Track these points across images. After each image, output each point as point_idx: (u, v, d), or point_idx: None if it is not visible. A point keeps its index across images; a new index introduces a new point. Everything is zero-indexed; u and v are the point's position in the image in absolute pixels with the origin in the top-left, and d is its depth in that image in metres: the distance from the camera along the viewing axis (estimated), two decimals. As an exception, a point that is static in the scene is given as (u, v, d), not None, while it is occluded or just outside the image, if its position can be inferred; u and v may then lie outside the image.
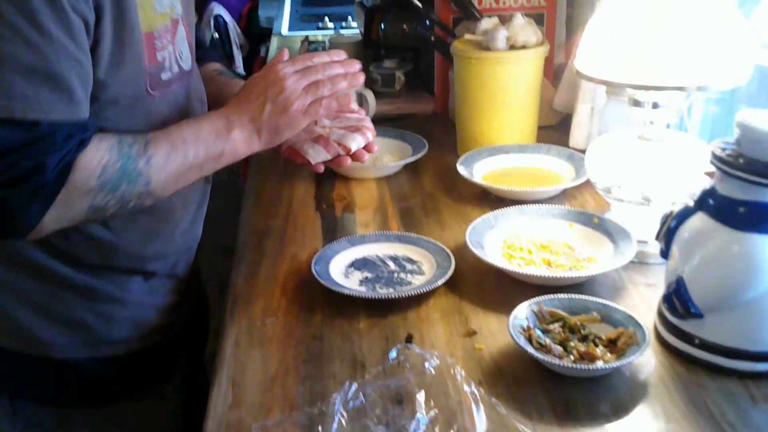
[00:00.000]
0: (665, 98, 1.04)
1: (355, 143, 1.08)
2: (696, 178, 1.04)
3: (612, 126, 1.27)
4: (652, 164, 1.06)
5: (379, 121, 1.63)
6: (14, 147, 0.80)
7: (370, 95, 1.59)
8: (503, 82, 1.39)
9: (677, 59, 0.97)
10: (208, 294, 1.33)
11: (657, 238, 0.92)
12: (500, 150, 1.40)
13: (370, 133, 1.11)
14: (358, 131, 1.09)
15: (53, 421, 1.06)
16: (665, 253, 0.91)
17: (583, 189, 1.32)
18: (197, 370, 1.28)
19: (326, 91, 1.01)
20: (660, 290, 1.01)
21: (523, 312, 0.92)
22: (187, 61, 1.04)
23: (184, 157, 0.93)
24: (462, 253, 1.11)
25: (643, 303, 1.00)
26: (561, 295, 0.94)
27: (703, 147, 1.07)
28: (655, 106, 1.05)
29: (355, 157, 1.09)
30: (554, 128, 1.59)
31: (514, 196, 1.26)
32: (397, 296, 0.98)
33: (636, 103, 1.07)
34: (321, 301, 1.02)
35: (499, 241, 1.12)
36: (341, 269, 1.07)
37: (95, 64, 0.88)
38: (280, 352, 0.92)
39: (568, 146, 1.46)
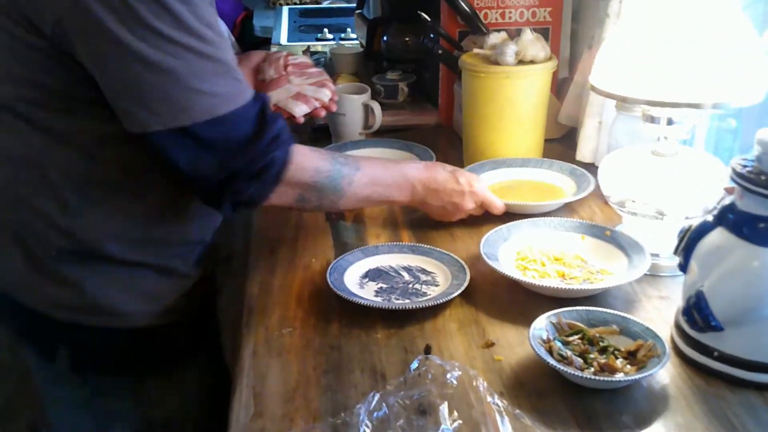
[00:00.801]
0: (680, 115, 1.05)
1: (326, 96, 1.33)
2: (709, 193, 1.06)
3: (621, 140, 1.28)
4: (665, 179, 1.07)
5: (382, 132, 1.66)
6: (248, 141, 0.94)
7: (376, 107, 1.60)
8: (512, 96, 1.40)
9: (693, 76, 0.99)
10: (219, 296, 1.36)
11: (675, 252, 0.93)
12: (503, 163, 1.41)
13: (331, 84, 1.36)
14: (324, 86, 1.34)
15: (123, 389, 1.10)
16: (684, 267, 0.92)
17: (591, 202, 1.34)
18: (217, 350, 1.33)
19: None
20: (673, 303, 1.02)
21: (542, 323, 0.92)
22: None
23: (371, 194, 1.13)
24: (475, 264, 1.11)
25: (658, 315, 1.01)
26: (579, 308, 0.95)
27: (716, 163, 1.08)
28: (669, 122, 1.06)
29: (326, 107, 1.33)
30: (559, 141, 1.60)
31: (520, 209, 1.27)
32: (414, 307, 0.98)
33: (650, 119, 1.08)
34: (337, 311, 1.02)
35: (512, 252, 1.13)
36: (356, 280, 1.07)
37: None
38: (299, 362, 0.92)
39: (574, 160, 1.48)
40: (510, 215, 1.23)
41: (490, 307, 1.03)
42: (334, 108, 1.36)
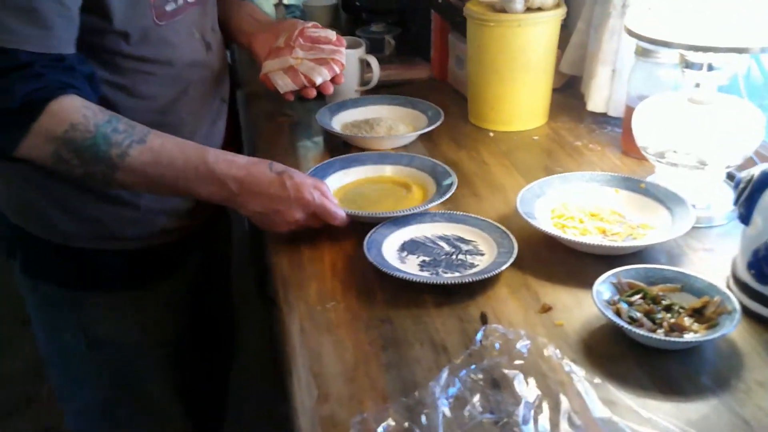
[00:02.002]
0: (722, 60, 1.01)
1: (321, 77, 1.19)
2: (749, 141, 1.03)
3: (641, 88, 1.24)
4: (705, 128, 1.03)
5: (376, 87, 1.58)
6: None
7: (374, 62, 1.52)
8: (523, 45, 1.34)
9: (738, 18, 0.95)
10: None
11: (736, 203, 0.89)
12: (356, 160, 1.24)
13: (338, 66, 1.21)
14: (326, 64, 1.20)
15: (66, 300, 1.15)
16: (746, 219, 0.88)
17: (609, 153, 1.30)
18: (210, 267, 1.32)
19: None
20: (719, 255, 1.00)
21: (603, 285, 0.88)
22: None
23: (160, 177, 0.97)
24: (509, 224, 1.06)
25: (706, 268, 0.97)
26: (638, 266, 0.91)
27: (754, 110, 1.05)
28: (710, 68, 1.02)
29: (321, 88, 1.21)
30: (560, 92, 1.55)
31: (370, 219, 1.07)
32: (471, 281, 0.92)
33: (689, 65, 1.04)
34: (377, 284, 0.96)
35: (547, 210, 1.08)
36: (394, 254, 1.00)
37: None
38: (352, 337, 0.86)
39: (583, 110, 1.44)
40: (360, 224, 1.07)
41: (537, 268, 0.98)
42: (329, 91, 1.23)
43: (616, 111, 1.38)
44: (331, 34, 1.22)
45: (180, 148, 0.98)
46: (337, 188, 1.18)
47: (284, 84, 1.19)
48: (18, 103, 0.87)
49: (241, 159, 1.01)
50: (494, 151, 1.34)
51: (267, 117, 1.54)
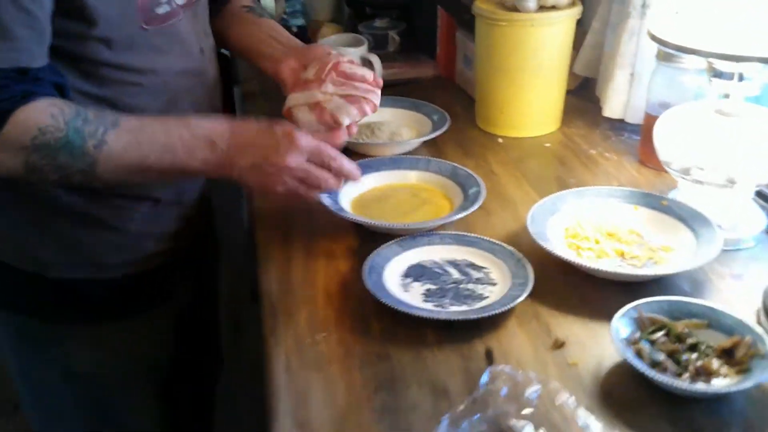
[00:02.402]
0: (754, 70, 0.92)
1: (349, 117, 1.01)
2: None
3: (662, 95, 1.15)
4: (734, 142, 0.95)
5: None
6: None
7: (376, 61, 1.43)
8: (536, 46, 1.25)
9: (775, 24, 0.86)
10: (216, 219, 1.28)
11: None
12: (367, 167, 1.12)
13: (370, 108, 1.03)
14: (357, 103, 1.02)
15: (45, 334, 1.06)
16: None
17: (626, 163, 1.22)
18: (197, 295, 1.23)
19: (314, 193, 0.95)
20: (748, 282, 0.92)
21: (621, 320, 0.80)
22: None
23: (143, 158, 0.87)
24: (519, 243, 0.98)
25: (735, 299, 0.89)
26: (660, 298, 0.83)
27: (788, 121, 0.96)
28: (741, 78, 0.93)
29: (348, 130, 1.02)
30: (574, 94, 1.46)
31: (388, 230, 1.01)
32: (478, 317, 0.83)
33: (717, 74, 0.95)
34: (374, 312, 0.88)
35: (560, 229, 1.00)
36: (397, 280, 0.92)
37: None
38: (345, 376, 0.79)
39: (599, 115, 1.35)
40: (363, 239, 1.00)
41: (549, 295, 0.90)
42: (353, 131, 1.03)
43: (634, 117, 1.29)
44: (368, 74, 1.05)
45: (159, 121, 0.89)
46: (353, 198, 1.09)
47: (308, 122, 1.01)
48: None
49: (224, 118, 0.93)
50: (503, 160, 1.25)
51: (264, 118, 1.45)
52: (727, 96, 0.96)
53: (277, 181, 0.91)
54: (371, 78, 1.05)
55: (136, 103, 0.94)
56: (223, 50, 1.22)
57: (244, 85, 1.63)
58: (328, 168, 0.93)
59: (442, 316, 0.83)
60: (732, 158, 0.94)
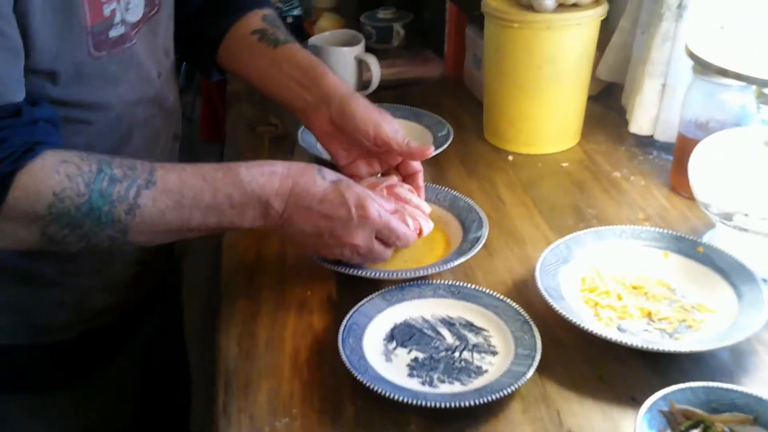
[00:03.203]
0: (817, 96, 0.76)
1: (428, 227, 0.87)
2: None
3: (698, 113, 0.99)
4: (789, 183, 0.79)
5: (378, 89, 1.33)
6: None
7: (373, 62, 1.27)
8: (553, 52, 1.09)
9: None
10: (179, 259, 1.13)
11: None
12: None
13: (414, 225, 0.85)
14: (403, 219, 0.85)
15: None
16: None
17: (653, 188, 1.05)
18: (157, 347, 1.08)
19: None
20: (802, 354, 0.76)
21: (648, 417, 0.65)
22: (137, 10, 0.80)
23: (185, 223, 0.74)
24: (524, 293, 0.85)
25: (785, 378, 0.74)
26: (694, 384, 0.67)
27: None
28: (800, 105, 0.77)
29: None
30: (596, 100, 1.29)
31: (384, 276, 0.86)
32: (472, 403, 0.68)
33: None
34: (349, 388, 0.73)
35: (576, 279, 0.85)
36: (379, 346, 0.77)
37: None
38: (305, 481, 0.64)
39: (624, 129, 1.19)
40: (357, 279, 0.85)
41: (559, 369, 0.75)
42: None
43: (665, 135, 1.13)
44: (424, 205, 0.90)
45: (202, 176, 0.74)
46: None
47: None
48: None
49: (280, 166, 0.78)
50: (513, 182, 1.09)
51: (246, 125, 1.31)
52: (781, 126, 0.80)
53: (335, 253, 0.81)
54: (427, 210, 0.89)
55: (83, 144, 0.77)
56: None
57: (228, 84, 1.48)
58: (391, 245, 0.82)
59: (430, 402, 0.68)
60: (784, 203, 0.78)
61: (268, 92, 0.97)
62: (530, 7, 1.09)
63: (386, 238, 0.81)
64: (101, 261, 0.89)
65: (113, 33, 0.77)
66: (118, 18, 0.76)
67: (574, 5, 1.10)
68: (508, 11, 1.09)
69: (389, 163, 0.92)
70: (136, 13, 0.80)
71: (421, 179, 0.92)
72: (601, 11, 1.10)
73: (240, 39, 0.97)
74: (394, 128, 0.88)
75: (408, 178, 0.92)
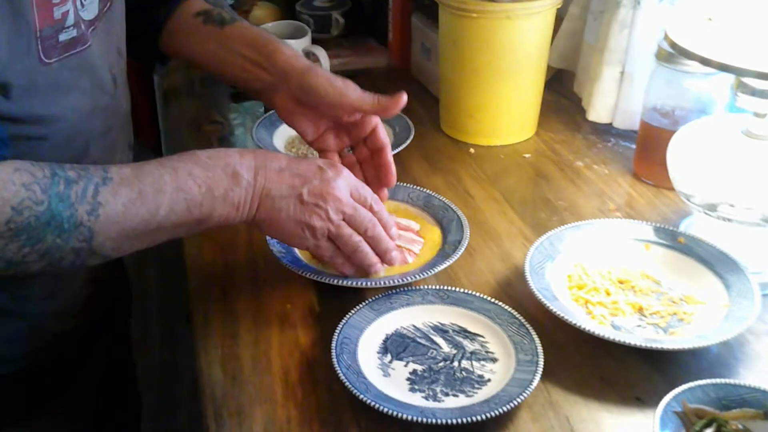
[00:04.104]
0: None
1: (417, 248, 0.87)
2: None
3: (661, 101, 0.99)
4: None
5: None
6: None
7: (322, 54, 1.22)
8: (513, 42, 1.07)
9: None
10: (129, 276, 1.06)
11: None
12: None
13: (410, 257, 0.86)
14: (399, 251, 0.84)
15: None
16: None
17: (619, 179, 1.05)
18: (112, 372, 1.00)
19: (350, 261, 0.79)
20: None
21: (663, 418, 0.64)
22: (93, 6, 0.73)
23: (151, 214, 0.66)
24: (511, 293, 0.83)
25: (778, 364, 0.75)
26: (704, 382, 0.67)
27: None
28: (780, 96, 0.77)
29: None
30: (546, 88, 1.27)
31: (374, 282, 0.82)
32: (483, 418, 0.65)
33: (746, 90, 0.79)
34: (349, 406, 0.69)
35: (563, 277, 0.83)
36: (374, 360, 0.73)
37: None
38: None
39: (583, 118, 1.18)
40: (339, 288, 0.81)
41: (561, 372, 0.73)
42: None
43: (625, 123, 1.13)
44: (415, 226, 0.90)
45: (157, 162, 0.68)
46: None
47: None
48: None
49: (235, 149, 0.74)
50: (478, 176, 1.07)
51: (189, 123, 1.24)
52: (759, 115, 0.80)
53: (321, 217, 0.73)
54: (417, 229, 0.88)
55: None
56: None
57: (164, 79, 1.40)
58: (370, 210, 0.77)
59: (440, 420, 0.65)
60: (762, 191, 0.78)
61: (223, 75, 0.92)
62: (487, -4, 1.07)
63: (362, 200, 0.77)
64: (54, 284, 0.81)
65: (63, 37, 0.69)
66: (70, 20, 0.69)
67: (530, -7, 1.08)
68: (465, 1, 1.06)
69: (358, 135, 0.87)
70: (92, 10, 0.72)
71: (389, 154, 0.87)
72: (557, 0, 1.08)
73: (184, 23, 0.91)
74: (360, 92, 0.84)
75: (376, 153, 0.87)
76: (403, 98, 0.84)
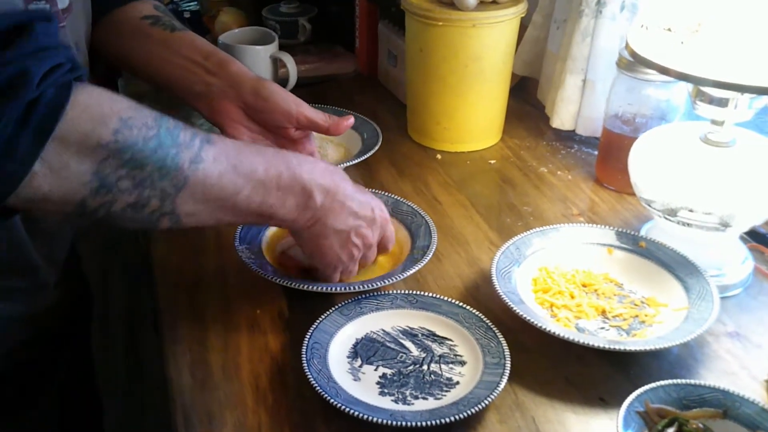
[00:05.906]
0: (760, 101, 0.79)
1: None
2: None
3: (623, 108, 1.01)
4: (727, 178, 0.82)
5: (294, 88, 1.29)
6: None
7: (290, 60, 1.23)
8: (477, 49, 1.08)
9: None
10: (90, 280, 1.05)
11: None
12: None
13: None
14: None
15: None
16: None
17: (581, 183, 1.08)
18: (74, 379, 1.00)
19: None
20: (749, 341, 0.80)
21: (626, 418, 0.66)
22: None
23: (235, 193, 0.65)
24: (477, 296, 0.85)
25: (738, 365, 0.77)
26: (666, 383, 0.69)
27: (782, 151, 0.84)
28: (737, 105, 0.80)
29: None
30: (510, 95, 1.30)
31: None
32: (452, 420, 0.66)
33: (704, 99, 0.81)
34: (320, 410, 0.70)
35: (527, 281, 0.85)
36: (344, 364, 0.74)
37: None
38: None
39: (546, 125, 1.20)
40: (307, 292, 0.82)
41: (526, 374, 0.75)
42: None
43: (587, 130, 1.15)
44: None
45: (256, 149, 0.69)
46: (267, 239, 0.90)
47: (304, 259, 0.85)
48: (38, 92, 0.51)
49: (320, 162, 0.74)
50: (445, 182, 1.09)
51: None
52: (717, 123, 0.83)
53: (347, 253, 0.78)
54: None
55: None
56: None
57: (129, 84, 1.39)
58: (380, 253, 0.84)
59: (409, 422, 0.66)
60: (728, 198, 0.81)
61: (157, 75, 0.89)
62: (452, 5, 1.08)
63: (381, 244, 0.82)
64: (32, 286, 0.81)
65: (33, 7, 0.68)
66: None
67: (494, 2, 1.10)
68: (431, 9, 1.08)
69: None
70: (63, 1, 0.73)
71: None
72: (521, 8, 1.10)
73: (126, 22, 0.90)
74: (313, 109, 0.88)
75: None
76: (351, 120, 0.88)
